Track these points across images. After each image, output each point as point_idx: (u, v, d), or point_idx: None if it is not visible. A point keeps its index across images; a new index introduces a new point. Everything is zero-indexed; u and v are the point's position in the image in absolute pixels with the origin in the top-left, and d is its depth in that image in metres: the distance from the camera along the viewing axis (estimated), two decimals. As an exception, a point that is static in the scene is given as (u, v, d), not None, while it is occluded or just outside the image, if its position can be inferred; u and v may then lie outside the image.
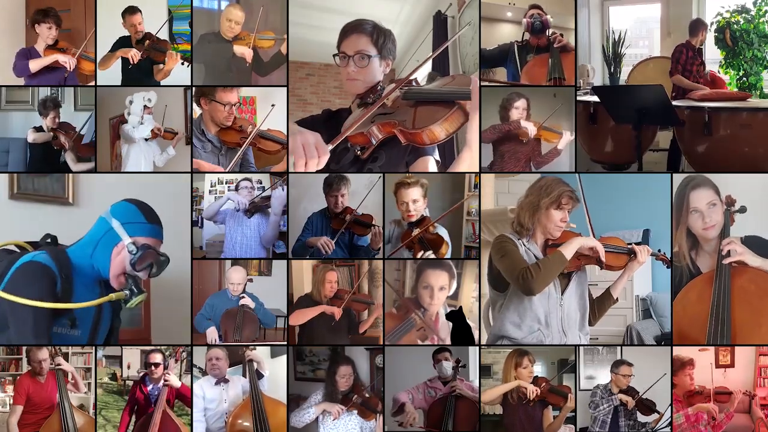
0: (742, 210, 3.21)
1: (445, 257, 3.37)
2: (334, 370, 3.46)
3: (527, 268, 2.92)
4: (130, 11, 3.79)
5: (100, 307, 2.81)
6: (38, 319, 2.61)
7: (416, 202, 3.37)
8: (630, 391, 3.44)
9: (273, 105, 3.61)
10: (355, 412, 3.43)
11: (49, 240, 2.91)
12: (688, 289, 3.25)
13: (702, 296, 3.19)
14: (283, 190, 3.55)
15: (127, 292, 2.70)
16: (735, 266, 3.15)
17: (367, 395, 3.44)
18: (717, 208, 3.20)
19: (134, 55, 3.75)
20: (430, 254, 3.30)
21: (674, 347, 3.44)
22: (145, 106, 3.83)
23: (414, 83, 2.69)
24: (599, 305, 3.18)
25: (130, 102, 3.83)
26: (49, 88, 3.83)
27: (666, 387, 3.43)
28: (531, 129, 3.77)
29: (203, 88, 3.57)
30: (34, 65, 3.74)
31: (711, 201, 3.20)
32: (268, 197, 3.66)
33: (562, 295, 3.07)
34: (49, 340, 2.68)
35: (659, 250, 3.21)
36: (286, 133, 3.58)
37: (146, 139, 3.83)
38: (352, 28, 2.79)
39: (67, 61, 3.72)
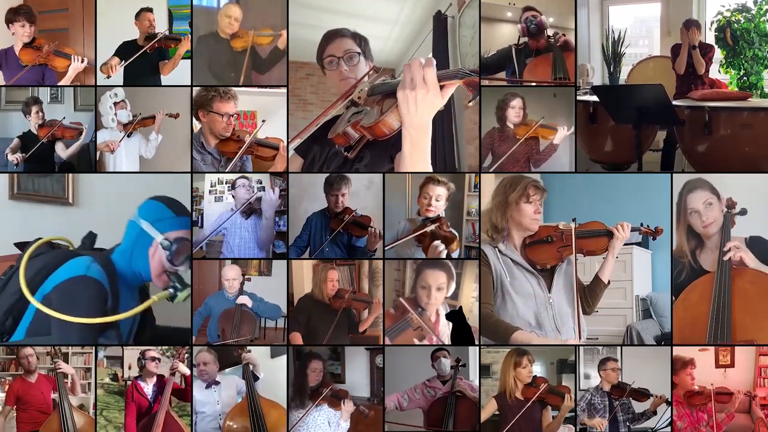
0: (743, 212, 3.30)
1: (447, 257, 3.37)
2: (305, 364, 3.47)
3: (483, 310, 3.05)
4: (146, 9, 3.84)
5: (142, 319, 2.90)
6: (84, 334, 2.66)
7: (439, 200, 3.40)
8: (621, 385, 3.46)
9: (263, 120, 3.65)
10: (325, 405, 3.43)
11: (91, 242, 2.95)
12: (690, 291, 3.30)
13: (703, 297, 3.24)
14: (273, 192, 3.55)
15: (171, 290, 2.73)
16: (735, 267, 3.20)
17: (337, 388, 3.44)
18: (714, 206, 3.30)
19: (113, 66, 3.77)
20: (440, 245, 3.30)
21: (674, 347, 3.45)
22: (114, 103, 3.83)
23: (389, 78, 2.70)
24: (591, 293, 3.15)
25: (101, 104, 3.84)
26: (49, 88, 3.84)
27: (666, 386, 3.44)
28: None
29: (201, 100, 3.57)
30: None
31: (707, 200, 3.31)
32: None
33: (549, 292, 3.07)
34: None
35: (641, 224, 3.21)
36: (286, 135, 3.58)
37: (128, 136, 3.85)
38: (333, 34, 2.91)
39: None
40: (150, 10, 3.85)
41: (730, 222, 3.29)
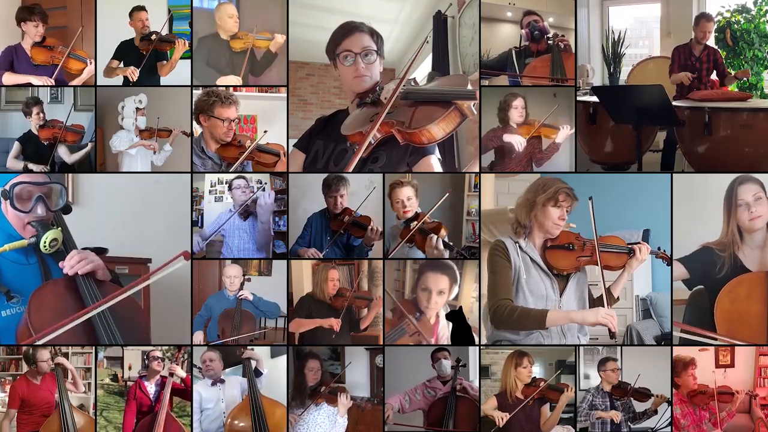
0: None
1: (447, 258, 3.36)
2: (302, 364, 3.47)
3: (506, 305, 2.95)
4: (139, 8, 3.83)
5: (45, 274, 2.80)
6: None
7: (410, 199, 3.40)
8: (622, 385, 3.45)
9: (265, 131, 3.62)
10: (324, 404, 3.43)
11: None
12: (737, 284, 3.26)
13: (752, 295, 3.24)
14: (269, 197, 3.54)
15: (34, 238, 2.69)
16: None
17: (334, 385, 3.45)
18: (762, 201, 3.28)
19: (133, 72, 3.78)
20: (433, 236, 3.30)
21: (674, 347, 3.45)
22: (137, 108, 3.86)
23: (413, 83, 2.69)
24: (600, 305, 3.13)
25: (123, 107, 3.86)
26: (48, 88, 3.84)
27: (666, 385, 3.44)
28: (517, 141, 3.76)
29: (202, 104, 3.56)
30: (8, 79, 3.76)
31: (756, 194, 3.28)
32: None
33: (560, 297, 3.06)
34: None
35: (659, 248, 3.21)
36: (286, 135, 3.58)
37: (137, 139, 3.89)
38: (352, 28, 2.82)
39: (42, 84, 3.74)
40: (142, 9, 3.83)
41: None
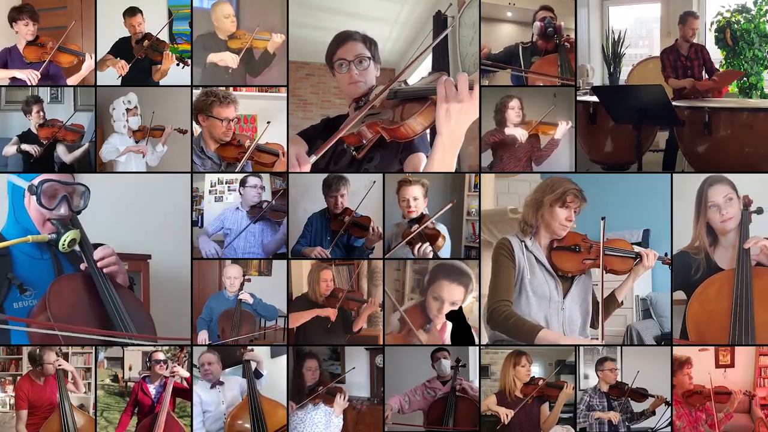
0: (759, 211, 3.26)
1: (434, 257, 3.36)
2: (300, 364, 3.48)
3: (504, 309, 2.95)
4: (130, 12, 3.81)
5: (58, 271, 2.84)
6: None
7: (416, 199, 3.40)
8: (619, 385, 3.45)
9: (268, 122, 3.62)
10: (321, 404, 3.44)
11: None
12: (707, 286, 3.23)
13: (721, 294, 3.20)
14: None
15: (54, 234, 2.75)
16: (755, 267, 3.18)
17: (332, 386, 3.45)
18: (733, 201, 3.25)
19: (122, 66, 3.78)
20: (426, 246, 3.31)
21: (674, 347, 3.45)
22: (127, 109, 3.85)
23: (403, 84, 2.74)
24: (603, 308, 3.13)
25: (113, 109, 3.85)
26: (48, 88, 3.84)
27: (665, 386, 3.44)
28: (520, 133, 3.77)
29: (200, 104, 3.56)
30: None
31: (727, 195, 3.25)
32: (275, 210, 3.65)
33: (563, 299, 3.06)
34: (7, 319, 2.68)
35: (666, 254, 3.20)
36: (286, 135, 3.58)
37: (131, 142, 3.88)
38: (345, 37, 2.91)
39: (26, 77, 3.72)
40: (136, 13, 3.81)
41: (748, 220, 3.24)
